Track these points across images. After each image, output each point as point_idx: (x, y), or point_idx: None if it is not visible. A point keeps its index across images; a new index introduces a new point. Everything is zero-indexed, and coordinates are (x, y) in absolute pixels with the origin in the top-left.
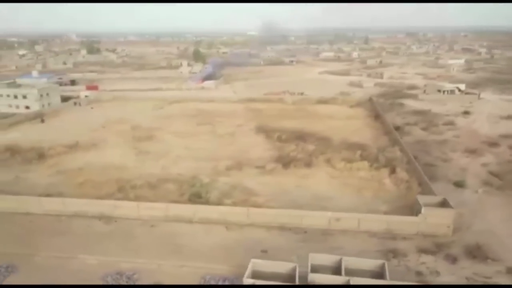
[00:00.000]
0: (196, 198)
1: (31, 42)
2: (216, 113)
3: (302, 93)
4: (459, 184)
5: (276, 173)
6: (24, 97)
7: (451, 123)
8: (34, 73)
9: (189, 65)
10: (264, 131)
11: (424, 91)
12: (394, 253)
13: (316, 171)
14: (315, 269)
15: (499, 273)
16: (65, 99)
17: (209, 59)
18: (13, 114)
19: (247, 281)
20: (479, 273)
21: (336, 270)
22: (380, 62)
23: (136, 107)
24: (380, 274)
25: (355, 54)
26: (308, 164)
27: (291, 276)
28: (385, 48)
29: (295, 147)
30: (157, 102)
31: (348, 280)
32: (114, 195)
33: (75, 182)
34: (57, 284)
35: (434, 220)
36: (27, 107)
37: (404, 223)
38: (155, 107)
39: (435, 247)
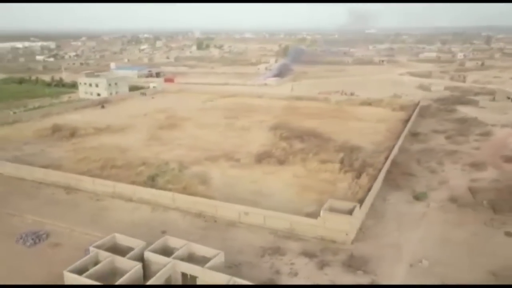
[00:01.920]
0: (150, 180)
1: (155, 38)
2: (252, 108)
3: (352, 94)
4: (418, 197)
5: (245, 168)
6: (96, 85)
7: (486, 134)
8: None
9: (276, 61)
10: (277, 128)
11: (494, 98)
12: (274, 251)
13: (285, 169)
14: (161, 250)
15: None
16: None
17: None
18: (87, 99)
19: (92, 249)
20: (335, 281)
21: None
22: (482, 64)
23: (191, 99)
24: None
25: (460, 55)
26: (282, 162)
27: (139, 254)
28: (503, 49)
29: (285, 145)
30: (213, 95)
31: (173, 263)
32: (94, 171)
33: (76, 158)
34: None
35: (332, 225)
36: (98, 94)
37: (304, 225)
38: (206, 100)
39: (320, 251)
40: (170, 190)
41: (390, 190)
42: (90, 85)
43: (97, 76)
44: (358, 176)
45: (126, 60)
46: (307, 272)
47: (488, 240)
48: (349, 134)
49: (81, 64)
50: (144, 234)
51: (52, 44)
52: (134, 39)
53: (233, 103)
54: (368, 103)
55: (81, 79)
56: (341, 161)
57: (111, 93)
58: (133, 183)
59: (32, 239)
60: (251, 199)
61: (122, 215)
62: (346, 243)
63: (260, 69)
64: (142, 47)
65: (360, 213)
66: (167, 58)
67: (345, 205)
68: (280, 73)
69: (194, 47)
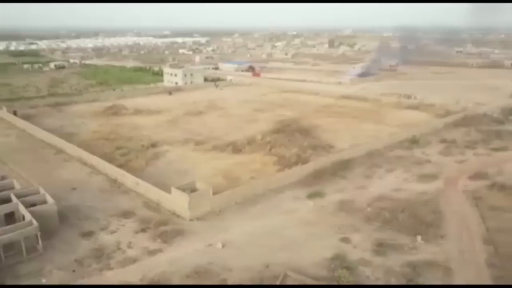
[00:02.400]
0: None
1: (298, 35)
2: (289, 103)
3: (409, 97)
4: (311, 196)
5: (203, 152)
6: (175, 75)
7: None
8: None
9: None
10: (282, 122)
11: None
12: (125, 214)
13: (234, 157)
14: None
15: None
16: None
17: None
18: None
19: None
20: (133, 242)
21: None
22: None
23: (252, 92)
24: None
25: None
26: (239, 151)
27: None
28: None
29: (261, 136)
30: (273, 89)
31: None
32: (94, 141)
33: (93, 130)
34: None
35: (178, 201)
36: (176, 83)
37: (165, 199)
38: (262, 94)
39: (157, 221)
40: (129, 161)
41: (298, 188)
42: (171, 75)
43: (182, 67)
44: (282, 170)
45: (248, 56)
46: (124, 231)
47: (315, 241)
48: (343, 134)
49: (206, 58)
50: (61, 188)
51: (203, 40)
52: (277, 36)
53: (282, 98)
54: (415, 107)
55: (166, 70)
56: (282, 156)
57: (185, 83)
58: (105, 153)
59: None
60: (171, 175)
61: (67, 173)
62: (186, 219)
63: (355, 68)
64: (278, 43)
65: (223, 197)
66: (286, 54)
67: (204, 188)
68: (366, 73)
69: (326, 45)
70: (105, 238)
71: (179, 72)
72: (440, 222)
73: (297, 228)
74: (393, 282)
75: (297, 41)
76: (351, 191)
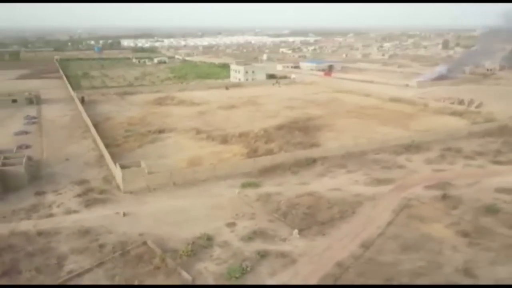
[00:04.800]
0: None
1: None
2: (332, 103)
3: (469, 103)
4: (244, 185)
5: (195, 140)
6: (238, 72)
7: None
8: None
9: None
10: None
11: None
12: (81, 181)
13: (217, 146)
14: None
15: None
16: None
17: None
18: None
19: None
20: (65, 203)
21: None
22: None
23: (304, 90)
24: None
25: None
26: (225, 142)
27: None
28: None
29: (258, 131)
30: (328, 89)
31: None
32: (121, 124)
33: (128, 116)
34: None
35: (118, 175)
36: (239, 79)
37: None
38: (313, 92)
39: (95, 189)
40: (125, 142)
41: (242, 177)
42: (236, 71)
43: (247, 64)
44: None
45: (344, 56)
46: (66, 195)
47: (204, 222)
48: (347, 134)
49: (299, 56)
50: (59, 158)
51: (311, 39)
52: (392, 36)
53: (328, 97)
54: (459, 113)
55: (232, 66)
56: (255, 149)
57: (246, 79)
58: (114, 135)
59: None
60: (152, 156)
61: (75, 147)
62: (120, 190)
63: (433, 70)
64: (386, 44)
65: (159, 177)
66: (383, 55)
67: (141, 166)
68: (444, 75)
69: (440, 46)
70: (48, 198)
71: (242, 68)
72: (339, 222)
73: (203, 210)
74: (231, 262)
75: (410, 41)
76: (288, 186)
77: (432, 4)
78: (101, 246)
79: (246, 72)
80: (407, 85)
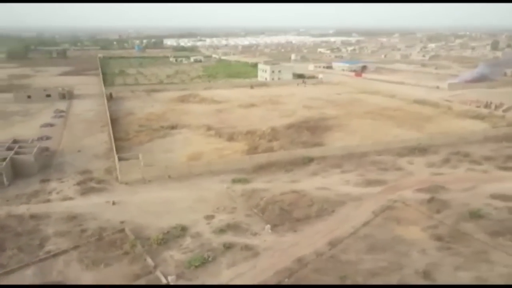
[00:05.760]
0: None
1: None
2: (352, 104)
3: (497, 106)
4: (234, 180)
5: (202, 136)
6: (265, 71)
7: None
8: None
9: None
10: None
11: None
12: (84, 171)
13: (222, 143)
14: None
15: None
16: None
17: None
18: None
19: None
20: (57, 188)
21: None
22: None
23: (328, 90)
24: None
25: None
26: (231, 139)
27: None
28: None
29: (266, 129)
30: (353, 89)
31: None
32: (139, 119)
33: (148, 112)
34: None
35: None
36: (266, 78)
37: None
38: (336, 93)
39: (96, 179)
40: (135, 137)
41: (235, 173)
42: (263, 71)
43: (275, 64)
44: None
45: (382, 56)
46: (68, 183)
47: (185, 213)
48: (356, 135)
49: (336, 57)
50: (72, 150)
51: (353, 39)
52: (439, 37)
53: (350, 97)
54: (482, 117)
55: (259, 66)
56: (256, 147)
57: (272, 78)
58: (127, 130)
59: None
60: (158, 150)
61: (90, 140)
62: (117, 181)
63: (467, 72)
64: (431, 44)
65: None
66: (423, 56)
67: (137, 159)
68: (479, 78)
69: (488, 47)
70: (51, 185)
71: (268, 68)
72: (315, 220)
73: (188, 203)
74: (196, 252)
75: (457, 42)
76: (277, 183)
77: (487, 4)
78: (83, 231)
79: (273, 72)
80: (437, 87)
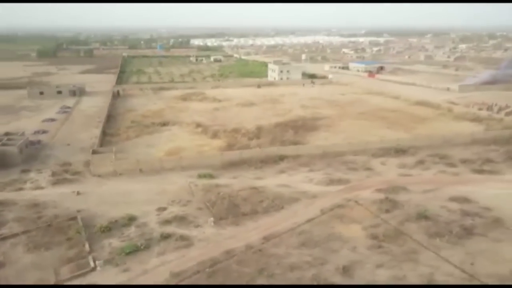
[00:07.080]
0: (126, 127)
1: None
2: (350, 104)
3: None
4: (201, 176)
5: (188, 133)
6: (274, 71)
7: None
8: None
9: None
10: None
11: None
12: (64, 163)
13: (204, 139)
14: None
15: None
16: None
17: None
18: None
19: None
20: (38, 180)
21: None
22: None
23: (333, 90)
24: None
25: None
26: (215, 136)
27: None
28: None
29: (251, 127)
30: (359, 90)
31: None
32: (137, 116)
33: (148, 109)
34: None
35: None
36: (274, 78)
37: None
38: (340, 93)
39: (72, 172)
40: (124, 132)
41: (204, 169)
42: (272, 70)
43: (285, 64)
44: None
45: (406, 57)
46: (45, 174)
47: (140, 205)
48: (341, 135)
49: (357, 57)
50: (62, 143)
51: (382, 40)
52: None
53: (352, 98)
54: (480, 120)
55: (269, 65)
56: (234, 144)
57: (281, 78)
58: (119, 125)
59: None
60: (142, 146)
61: (83, 134)
62: (90, 172)
63: (481, 74)
64: (462, 45)
65: (126, 163)
66: (448, 57)
67: (108, 153)
68: (493, 80)
69: None
70: (29, 175)
71: (277, 68)
72: (262, 215)
73: (147, 195)
74: (134, 241)
75: (491, 42)
76: (241, 180)
77: None
78: (39, 217)
79: (281, 71)
80: (447, 89)
